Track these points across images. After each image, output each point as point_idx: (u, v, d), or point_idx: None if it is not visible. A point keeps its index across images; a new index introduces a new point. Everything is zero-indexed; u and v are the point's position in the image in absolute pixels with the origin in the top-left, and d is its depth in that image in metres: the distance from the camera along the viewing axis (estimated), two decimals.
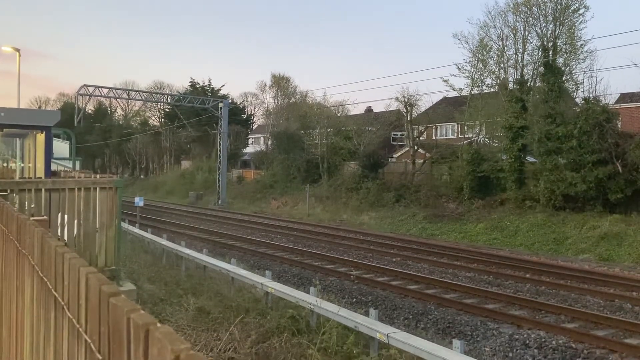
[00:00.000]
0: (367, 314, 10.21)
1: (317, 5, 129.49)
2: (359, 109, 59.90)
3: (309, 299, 10.77)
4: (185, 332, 9.54)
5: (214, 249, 21.01)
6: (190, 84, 65.70)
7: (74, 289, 1.67)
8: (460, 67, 34.91)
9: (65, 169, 20.06)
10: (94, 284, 1.40)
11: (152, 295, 12.00)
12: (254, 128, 70.33)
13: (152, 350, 0.98)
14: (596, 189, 24.03)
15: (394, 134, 49.80)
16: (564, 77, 29.47)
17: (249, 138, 66.04)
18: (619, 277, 16.72)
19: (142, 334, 1.01)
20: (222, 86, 66.40)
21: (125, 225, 22.28)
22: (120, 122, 79.10)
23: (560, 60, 30.03)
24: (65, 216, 8.75)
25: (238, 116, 60.65)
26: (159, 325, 1.02)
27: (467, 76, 35.34)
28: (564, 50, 30.60)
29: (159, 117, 76.08)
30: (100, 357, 1.32)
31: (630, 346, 10.38)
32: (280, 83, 63.49)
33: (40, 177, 11.24)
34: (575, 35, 30.55)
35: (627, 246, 20.77)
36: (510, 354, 10.54)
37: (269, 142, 55.47)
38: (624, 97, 35.14)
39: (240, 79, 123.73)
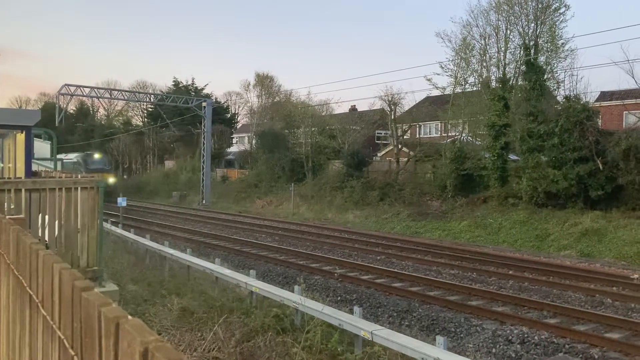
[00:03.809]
0: (351, 312, 10.23)
1: (301, 5, 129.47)
2: (343, 108, 60.00)
3: (294, 298, 10.77)
4: (169, 332, 9.48)
5: (198, 248, 20.90)
6: (173, 83, 65.30)
7: (48, 285, 1.65)
8: (443, 66, 35.16)
9: (47, 169, 19.80)
10: (67, 279, 1.39)
11: (135, 295, 11.90)
12: (238, 127, 70.09)
13: (122, 343, 0.97)
14: (577, 186, 24.33)
15: (378, 133, 49.98)
16: (545, 76, 29.80)
17: (233, 137, 65.79)
18: (600, 273, 16.95)
19: (113, 327, 1.00)
20: (205, 85, 66.09)
21: (108, 225, 22.08)
22: (103, 122, 78.27)
23: (541, 59, 30.36)
24: (46, 217, 8.64)
25: (222, 115, 60.39)
26: (129, 318, 1.02)
27: (450, 75, 35.61)
28: (545, 48, 30.95)
29: (142, 117, 75.44)
30: (72, 353, 1.31)
31: (610, 340, 10.53)
32: (264, 82, 63.36)
33: (20, 178, 11.09)
34: (556, 34, 30.93)
35: (607, 242, 21.05)
36: (494, 350, 10.63)
37: (253, 142, 55.32)
38: (604, 96, 35.65)
39: (223, 78, 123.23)
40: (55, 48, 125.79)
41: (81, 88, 43.23)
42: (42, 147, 29.66)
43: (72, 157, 50.47)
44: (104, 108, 79.62)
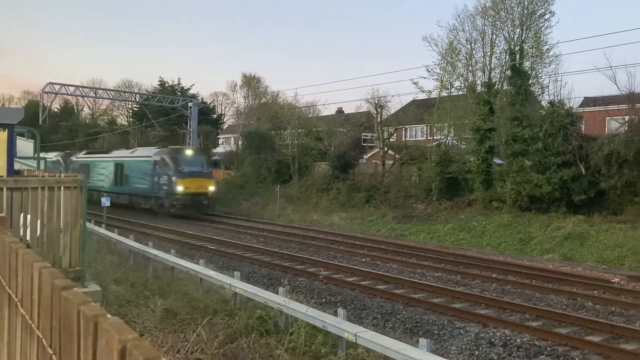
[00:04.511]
0: (335, 313, 10.24)
1: (289, 6, 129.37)
2: (329, 110, 60.10)
3: (278, 299, 10.76)
4: (152, 333, 9.42)
5: (182, 249, 20.78)
6: (159, 83, 64.85)
7: (27, 284, 1.64)
8: (429, 70, 35.40)
9: (30, 168, 19.57)
10: (47, 278, 1.38)
11: (118, 296, 11.82)
12: (224, 128, 69.88)
13: (100, 342, 0.97)
14: (560, 190, 24.59)
15: (364, 135, 50.09)
16: (530, 81, 30.12)
17: (219, 138, 65.59)
18: (582, 276, 17.15)
19: (91, 326, 0.99)
20: (191, 85, 65.82)
21: (91, 225, 21.88)
22: (87, 121, 77.56)
23: (526, 64, 30.69)
24: (28, 216, 8.55)
25: (208, 116, 60.11)
26: (108, 316, 1.02)
27: (437, 79, 35.87)
28: (530, 54, 31.30)
29: (127, 116, 74.88)
30: (51, 352, 1.30)
31: (591, 343, 10.65)
32: (251, 83, 63.22)
33: (2, 176, 10.95)
34: (541, 39, 31.31)
35: (589, 246, 21.30)
36: (476, 352, 10.69)
37: (240, 142, 55.19)
38: (587, 101, 36.12)
39: (210, 78, 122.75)
40: (39, 46, 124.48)
41: (66, 87, 42.92)
42: (25, 146, 29.32)
43: (148, 153, 36.41)
44: (89, 107, 78.94)
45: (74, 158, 45.12)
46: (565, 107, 26.30)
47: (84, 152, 48.45)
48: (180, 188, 32.28)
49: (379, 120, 39.85)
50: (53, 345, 1.31)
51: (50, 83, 41.50)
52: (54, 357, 1.28)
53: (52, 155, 47.00)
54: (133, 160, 36.97)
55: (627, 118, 25.95)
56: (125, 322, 1.09)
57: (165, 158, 33.89)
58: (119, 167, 37.65)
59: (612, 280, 16.47)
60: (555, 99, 27.37)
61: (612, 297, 14.43)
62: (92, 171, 40.62)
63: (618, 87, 26.00)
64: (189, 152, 35.51)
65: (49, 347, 1.32)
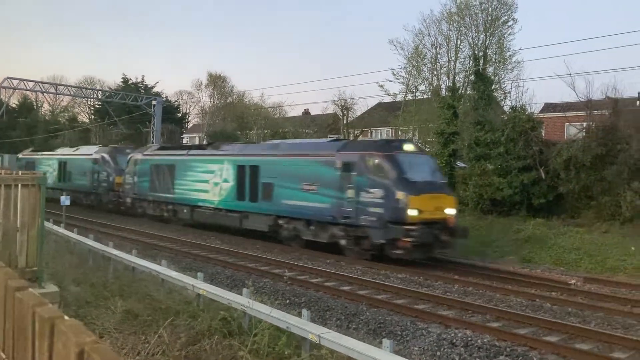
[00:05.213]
0: (299, 315, 10.21)
1: (255, 6, 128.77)
2: (296, 111, 60.10)
3: (241, 301, 10.66)
4: (112, 335, 9.22)
5: (144, 250, 20.42)
6: (122, 80, 63.79)
7: None
8: (395, 73, 35.88)
9: None
10: (0, 278, 1.32)
11: (77, 297, 11.53)
12: (188, 127, 69.14)
13: (56, 345, 0.92)
14: (521, 194, 25.17)
15: (330, 137, 50.26)
16: (493, 86, 30.84)
17: (184, 137, 64.89)
18: (540, 278, 17.55)
19: (48, 328, 0.95)
20: (156, 83, 64.90)
21: (49, 224, 21.31)
22: (47, 118, 75.67)
23: (490, 70, 31.41)
24: None
25: (172, 114, 59.42)
26: (66, 318, 0.97)
27: (402, 82, 36.37)
28: (493, 60, 32.04)
29: (88, 114, 73.38)
30: (4, 356, 1.24)
31: (548, 343, 10.89)
32: (216, 82, 62.77)
33: None
34: (505, 46, 32.12)
35: (548, 249, 21.82)
36: (438, 353, 10.82)
37: (205, 142, 54.71)
38: (548, 107, 37.05)
39: (175, 77, 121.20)
40: None
41: (25, 82, 41.77)
42: None
43: (328, 149, 20.91)
44: (49, 103, 77.05)
45: (138, 156, 31.90)
46: (527, 113, 26.99)
47: (157, 146, 34.63)
48: (412, 212, 17.85)
49: (345, 122, 40.11)
50: (6, 349, 1.25)
51: (8, 78, 40.38)
52: None
53: (91, 151, 38.45)
54: (292, 160, 21.96)
55: (585, 124, 26.74)
56: (83, 324, 1.05)
57: (377, 159, 18.84)
58: (252, 170, 23.54)
59: (569, 282, 16.92)
60: (517, 104, 28.10)
61: (569, 299, 14.81)
62: (178, 176, 28.11)
63: (577, 94, 26.79)
64: (409, 146, 20.19)
65: (2, 351, 1.26)
